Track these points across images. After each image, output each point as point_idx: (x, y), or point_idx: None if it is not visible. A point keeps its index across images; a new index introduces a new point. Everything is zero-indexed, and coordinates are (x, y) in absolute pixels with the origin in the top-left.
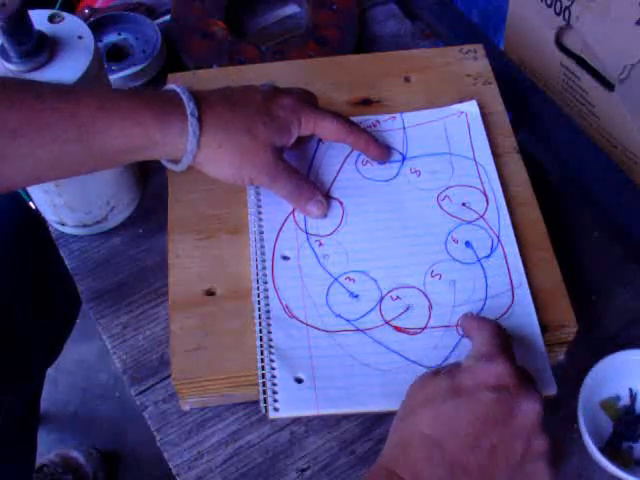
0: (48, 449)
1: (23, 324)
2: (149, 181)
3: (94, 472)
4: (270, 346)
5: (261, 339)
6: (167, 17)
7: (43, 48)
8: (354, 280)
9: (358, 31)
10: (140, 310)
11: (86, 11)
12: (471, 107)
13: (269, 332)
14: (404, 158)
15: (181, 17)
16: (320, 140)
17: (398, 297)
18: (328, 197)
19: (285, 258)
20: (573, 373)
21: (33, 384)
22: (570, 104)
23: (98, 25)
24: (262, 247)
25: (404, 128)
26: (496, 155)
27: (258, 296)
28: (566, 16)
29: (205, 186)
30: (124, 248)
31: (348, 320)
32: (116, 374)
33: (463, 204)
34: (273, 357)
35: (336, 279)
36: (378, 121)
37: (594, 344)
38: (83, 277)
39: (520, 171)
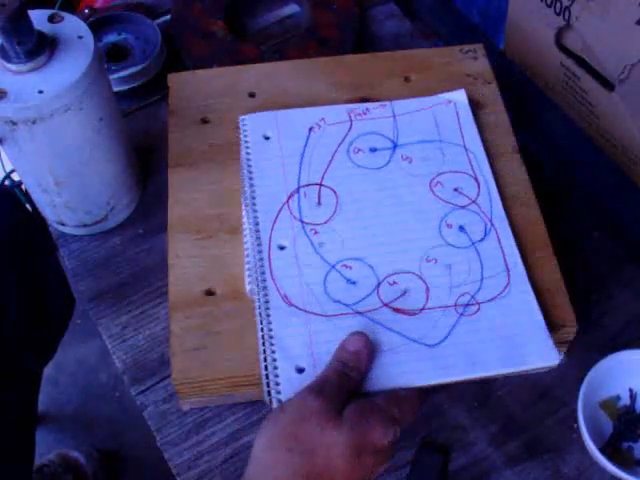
0: (48, 449)
1: (17, 323)
2: (149, 181)
3: (94, 472)
4: (271, 337)
5: (262, 330)
6: (167, 17)
7: (43, 48)
8: (351, 267)
9: (358, 31)
10: (140, 310)
11: (86, 11)
12: (459, 96)
13: (269, 323)
14: (395, 145)
15: (181, 17)
16: (311, 129)
17: (395, 282)
18: (321, 186)
19: (281, 248)
20: (573, 373)
21: (29, 383)
22: (570, 104)
23: (98, 25)
24: (258, 238)
25: (394, 116)
26: (496, 155)
27: (257, 287)
28: (566, 16)
29: (205, 186)
30: (124, 248)
31: (347, 304)
32: (116, 374)
33: (455, 189)
34: (274, 348)
35: (333, 266)
36: (368, 109)
37: (594, 344)
38: (83, 277)
39: (520, 171)
